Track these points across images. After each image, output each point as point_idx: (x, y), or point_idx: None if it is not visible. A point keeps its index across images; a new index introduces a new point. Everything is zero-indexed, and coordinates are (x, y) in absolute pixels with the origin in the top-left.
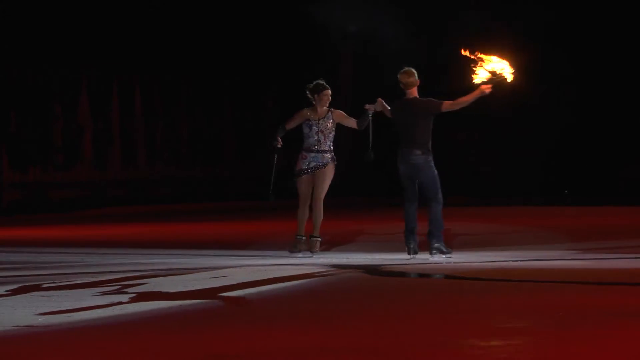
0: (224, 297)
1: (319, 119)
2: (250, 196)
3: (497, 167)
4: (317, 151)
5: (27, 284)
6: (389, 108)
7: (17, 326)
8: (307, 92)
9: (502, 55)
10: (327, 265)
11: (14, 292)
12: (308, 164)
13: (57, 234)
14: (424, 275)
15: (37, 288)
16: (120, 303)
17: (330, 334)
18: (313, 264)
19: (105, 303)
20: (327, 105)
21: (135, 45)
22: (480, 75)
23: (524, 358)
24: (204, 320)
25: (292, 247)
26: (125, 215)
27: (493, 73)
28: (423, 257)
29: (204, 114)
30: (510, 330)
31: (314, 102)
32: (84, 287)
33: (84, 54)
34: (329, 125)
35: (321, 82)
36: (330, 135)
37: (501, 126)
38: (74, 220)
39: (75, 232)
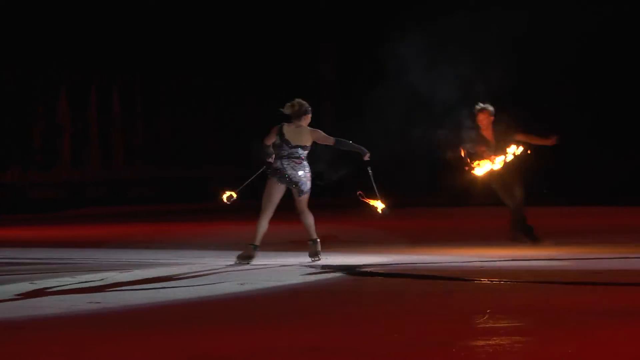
0: (207, 296)
1: None
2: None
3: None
4: None
5: (4, 284)
6: None
7: None
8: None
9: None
10: (312, 267)
11: None
12: None
13: (36, 234)
14: (409, 276)
15: (15, 287)
16: (99, 302)
17: (317, 335)
18: (299, 265)
19: (85, 302)
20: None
21: (114, 45)
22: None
23: (513, 358)
24: (187, 319)
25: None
26: (104, 215)
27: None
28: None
29: (183, 114)
30: (499, 330)
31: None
32: (63, 286)
33: (63, 54)
34: None
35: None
36: None
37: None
38: (53, 221)
39: (55, 232)
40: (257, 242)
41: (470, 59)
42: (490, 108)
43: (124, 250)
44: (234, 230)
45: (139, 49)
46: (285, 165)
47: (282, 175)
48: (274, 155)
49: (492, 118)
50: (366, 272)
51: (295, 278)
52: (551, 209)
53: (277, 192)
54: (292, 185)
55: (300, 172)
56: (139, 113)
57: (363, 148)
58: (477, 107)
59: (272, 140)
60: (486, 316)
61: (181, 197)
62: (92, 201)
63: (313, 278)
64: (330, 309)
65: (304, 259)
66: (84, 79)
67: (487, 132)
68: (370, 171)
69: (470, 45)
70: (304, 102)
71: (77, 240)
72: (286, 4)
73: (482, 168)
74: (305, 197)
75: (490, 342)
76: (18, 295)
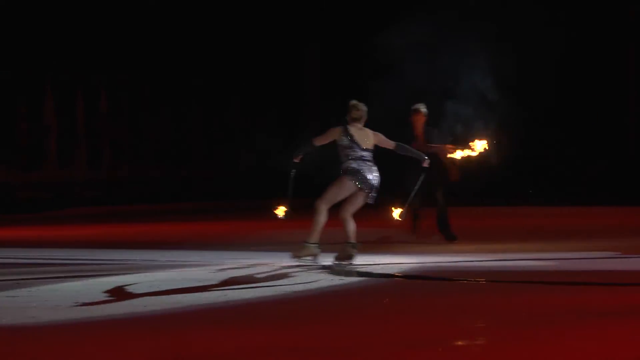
0: (195, 297)
1: None
2: (217, 196)
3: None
4: None
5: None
6: None
7: None
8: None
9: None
10: (311, 268)
11: None
12: None
13: (23, 234)
14: (406, 276)
15: (2, 289)
16: (86, 304)
17: (314, 335)
18: (290, 266)
19: (72, 303)
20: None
21: (100, 45)
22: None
23: (501, 358)
24: (187, 320)
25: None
26: (91, 215)
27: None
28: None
29: (170, 114)
30: (485, 330)
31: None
32: (50, 289)
33: (50, 54)
34: None
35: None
36: None
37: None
38: (40, 221)
39: (41, 233)
40: (317, 240)
41: (469, 59)
42: (424, 109)
43: (111, 250)
44: (236, 230)
45: (126, 49)
46: (362, 167)
47: (361, 177)
48: (301, 156)
49: (424, 119)
50: (364, 272)
51: (293, 279)
52: (552, 209)
53: (347, 191)
54: (369, 189)
55: (373, 175)
56: (125, 113)
57: (422, 154)
58: (413, 107)
59: (324, 142)
60: (472, 316)
61: (168, 196)
62: (79, 201)
63: (311, 279)
64: (327, 310)
65: (301, 260)
66: (71, 79)
67: (419, 133)
68: (422, 177)
69: (470, 44)
70: (362, 104)
71: (64, 241)
72: (285, 5)
73: (461, 152)
74: (364, 202)
75: (477, 342)
76: (5, 296)
